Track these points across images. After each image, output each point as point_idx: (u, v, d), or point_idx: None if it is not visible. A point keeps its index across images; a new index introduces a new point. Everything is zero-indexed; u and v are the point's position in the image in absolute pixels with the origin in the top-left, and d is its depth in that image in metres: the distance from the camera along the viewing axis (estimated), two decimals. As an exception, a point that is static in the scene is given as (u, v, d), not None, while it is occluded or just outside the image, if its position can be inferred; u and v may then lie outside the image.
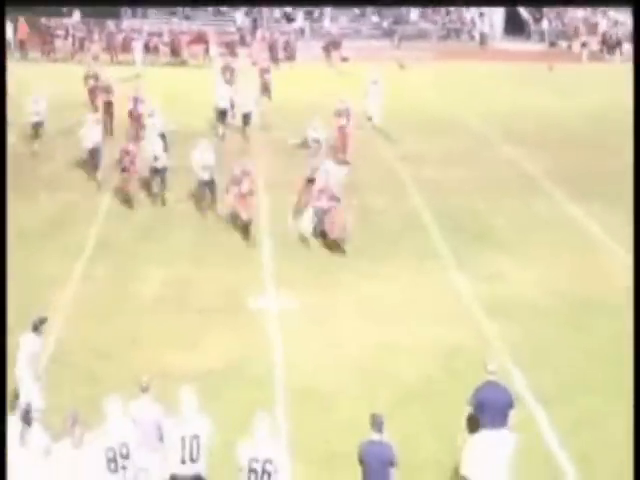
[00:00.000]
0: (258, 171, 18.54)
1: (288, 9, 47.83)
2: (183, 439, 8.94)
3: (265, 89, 28.78)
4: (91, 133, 21.25)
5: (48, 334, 12.12)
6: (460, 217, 19.33)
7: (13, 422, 8.98)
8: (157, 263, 16.55)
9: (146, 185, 20.12)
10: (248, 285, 15.64)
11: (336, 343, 13.61)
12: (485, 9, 48.38)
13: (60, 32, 42.98)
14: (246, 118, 25.39)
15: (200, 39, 42.49)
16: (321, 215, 17.36)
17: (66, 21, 44.17)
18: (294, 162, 22.02)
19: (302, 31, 47.35)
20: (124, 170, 19.59)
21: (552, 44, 48.53)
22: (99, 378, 12.19)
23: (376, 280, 15.93)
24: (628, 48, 43.80)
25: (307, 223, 17.31)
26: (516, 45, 47.79)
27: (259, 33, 44.33)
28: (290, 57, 42.25)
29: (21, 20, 41.16)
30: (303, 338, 13.77)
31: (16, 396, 10.56)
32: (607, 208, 19.72)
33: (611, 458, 10.69)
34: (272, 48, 40.56)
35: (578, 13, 49.43)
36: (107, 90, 26.16)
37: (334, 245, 17.23)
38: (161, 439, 9.18)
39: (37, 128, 23.65)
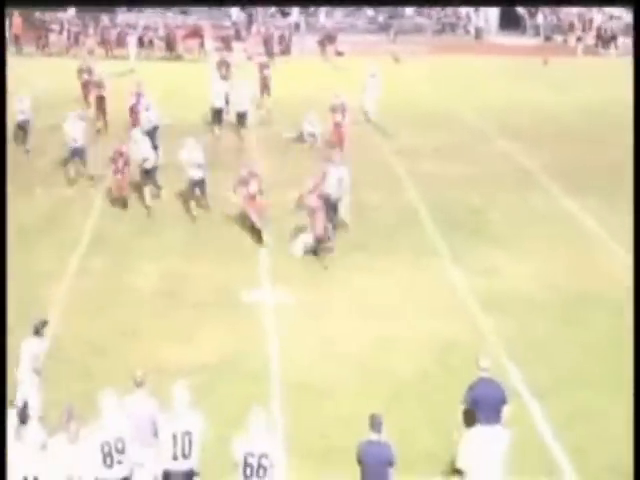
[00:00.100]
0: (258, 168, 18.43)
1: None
2: (175, 435, 8.92)
3: (265, 86, 28.30)
4: (73, 129, 20.52)
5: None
6: (456, 211, 19.32)
7: (13, 416, 8.98)
8: (152, 258, 16.53)
9: (139, 187, 19.65)
10: (243, 279, 15.62)
11: (332, 337, 13.60)
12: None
13: (55, 26, 42.97)
14: (241, 118, 24.57)
15: (195, 33, 42.52)
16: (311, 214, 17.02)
17: (61, 15, 44.10)
18: (290, 157, 21.97)
19: (297, 25, 47.33)
20: (117, 172, 19.19)
21: (547, 38, 48.56)
22: (94, 373, 12.17)
23: (372, 275, 15.91)
24: (623, 42, 43.88)
25: (298, 248, 16.98)
26: (511, 39, 47.79)
27: (254, 27, 44.30)
28: (285, 51, 42.22)
29: (15, 14, 40.98)
30: (298, 332, 13.76)
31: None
32: (603, 202, 19.70)
33: (606, 452, 10.70)
34: (267, 42, 40.45)
35: (573, 8, 49.42)
36: (99, 85, 25.94)
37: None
38: (155, 434, 9.17)
39: (24, 126, 23.50)
